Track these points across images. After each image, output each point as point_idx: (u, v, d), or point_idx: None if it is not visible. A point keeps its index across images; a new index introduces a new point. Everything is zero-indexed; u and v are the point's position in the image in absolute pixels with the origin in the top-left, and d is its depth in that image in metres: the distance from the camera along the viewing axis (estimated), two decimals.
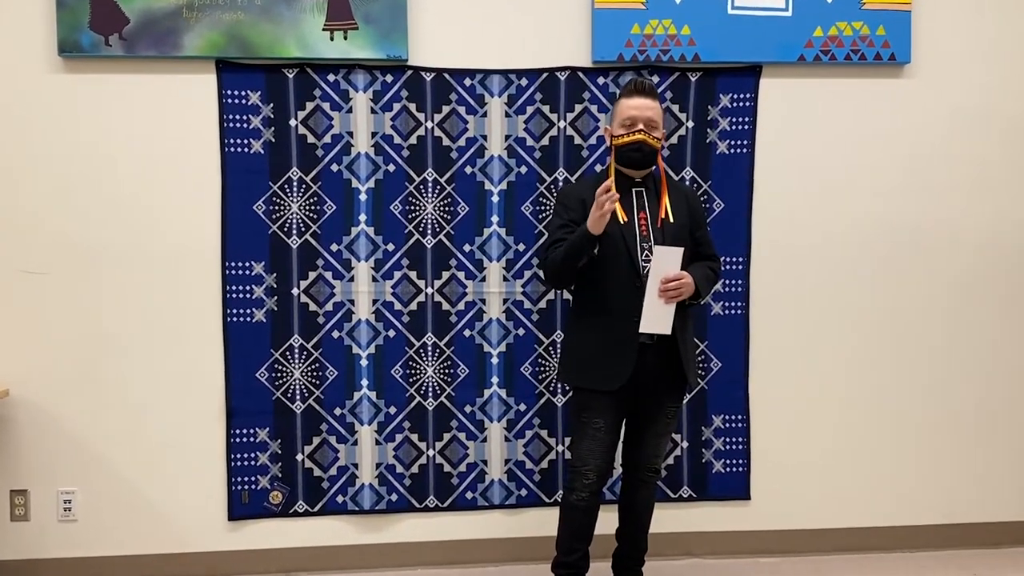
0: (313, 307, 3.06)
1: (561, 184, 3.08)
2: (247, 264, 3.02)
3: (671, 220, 2.59)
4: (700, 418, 3.21)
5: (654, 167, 2.65)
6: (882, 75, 3.18)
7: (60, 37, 2.89)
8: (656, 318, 2.49)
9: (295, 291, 3.05)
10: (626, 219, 2.57)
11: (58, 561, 3.03)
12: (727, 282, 3.17)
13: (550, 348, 3.13)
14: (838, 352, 3.24)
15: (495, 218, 3.09)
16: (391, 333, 3.08)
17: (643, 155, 2.57)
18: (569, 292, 2.96)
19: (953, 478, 3.31)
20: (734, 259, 3.16)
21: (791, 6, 3.07)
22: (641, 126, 2.55)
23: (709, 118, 3.13)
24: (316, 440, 3.08)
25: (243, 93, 2.99)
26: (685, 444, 3.21)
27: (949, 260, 3.27)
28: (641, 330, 2.49)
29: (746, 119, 3.14)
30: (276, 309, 3.04)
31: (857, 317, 3.24)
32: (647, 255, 2.53)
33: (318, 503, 3.09)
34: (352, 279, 3.06)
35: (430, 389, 3.11)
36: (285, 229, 3.03)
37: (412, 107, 3.04)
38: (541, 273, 2.89)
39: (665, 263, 2.48)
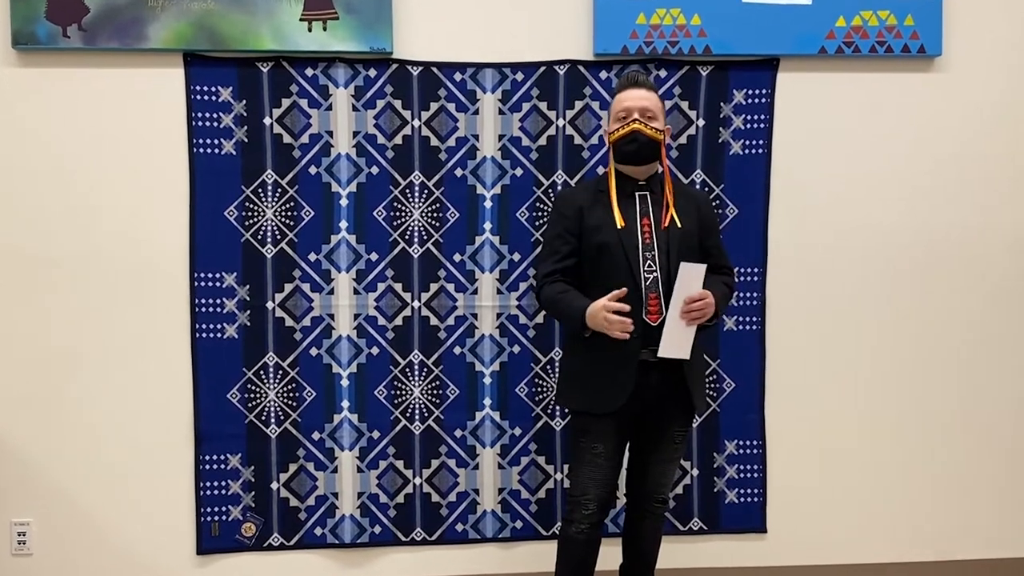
0: (289, 322, 3.03)
1: (560, 188, 3.05)
2: (217, 275, 3.00)
3: (678, 226, 2.57)
4: (712, 444, 3.17)
5: (658, 168, 2.63)
6: (910, 69, 3.16)
7: (14, 28, 2.87)
8: (677, 342, 2.46)
9: (270, 304, 3.02)
10: (624, 224, 2.54)
11: None
12: (741, 295, 3.14)
13: (547, 367, 3.10)
14: (863, 371, 3.21)
15: (488, 225, 3.07)
16: (374, 350, 3.06)
17: (639, 146, 2.54)
18: None
19: (988, 510, 3.28)
20: (749, 270, 3.13)
21: None
22: (636, 116, 2.54)
23: (722, 116, 3.10)
24: (292, 467, 3.05)
25: (213, 89, 2.97)
26: (695, 472, 3.18)
27: (984, 270, 3.24)
28: (660, 355, 2.46)
29: (762, 117, 3.11)
30: (249, 324, 3.02)
31: (883, 333, 3.21)
32: (649, 265, 2.51)
33: (295, 536, 3.07)
34: (332, 292, 3.04)
35: (417, 411, 3.08)
36: (259, 237, 3.01)
37: (397, 104, 3.02)
38: (535, 283, 2.86)
39: (690, 281, 2.44)
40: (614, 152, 2.59)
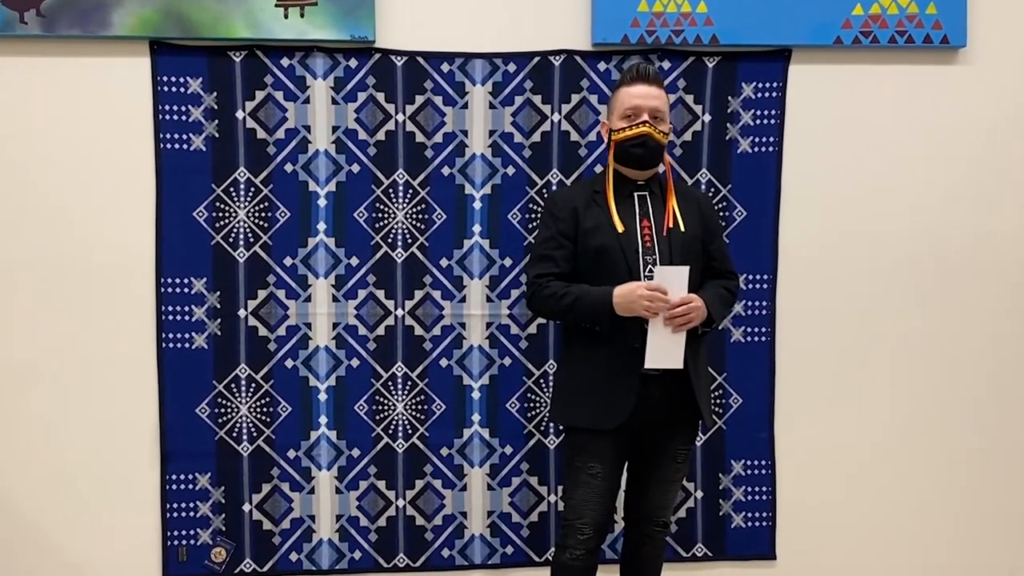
0: (263, 331, 3.02)
1: (555, 188, 3.04)
2: (185, 281, 2.99)
3: (681, 229, 2.57)
4: (717, 463, 3.16)
5: (660, 167, 2.63)
6: (933, 61, 3.14)
7: None
8: (663, 351, 2.47)
9: (242, 312, 3.01)
10: (624, 228, 2.54)
11: None
12: (750, 303, 3.12)
13: (541, 381, 3.09)
14: (880, 386, 3.20)
15: (477, 227, 3.05)
16: (355, 362, 3.05)
17: (647, 151, 2.54)
18: None
19: (1013, 537, 3.27)
20: (758, 276, 3.12)
21: None
22: (646, 117, 2.53)
23: (729, 111, 3.08)
24: (266, 487, 3.04)
25: (182, 80, 2.95)
26: (699, 494, 3.16)
27: (1015, 278, 3.22)
28: (647, 365, 2.48)
29: (772, 112, 3.09)
30: (220, 334, 3.01)
31: (903, 345, 3.19)
32: (651, 270, 2.51)
33: (268, 561, 3.05)
34: (309, 299, 3.03)
35: (400, 428, 3.07)
36: (230, 240, 3.00)
37: (380, 97, 3.01)
38: (526, 289, 2.86)
39: (669, 285, 2.44)
40: (616, 151, 2.58)
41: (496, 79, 3.02)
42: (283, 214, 3.00)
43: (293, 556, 3.05)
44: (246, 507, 3.03)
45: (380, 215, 3.03)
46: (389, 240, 3.03)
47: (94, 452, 2.99)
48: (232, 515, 3.03)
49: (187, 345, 2.99)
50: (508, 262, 3.06)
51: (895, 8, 3.05)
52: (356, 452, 3.06)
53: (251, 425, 3.02)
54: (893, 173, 3.16)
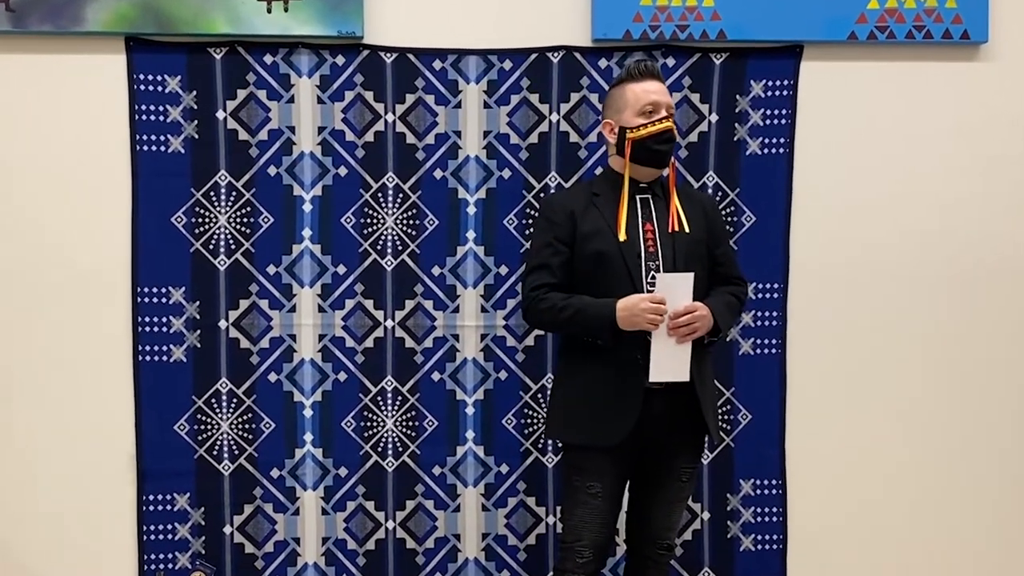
0: (245, 343, 3.01)
1: (553, 191, 3.03)
2: (163, 290, 2.98)
3: (685, 230, 2.57)
4: (725, 483, 3.14)
5: (664, 170, 2.63)
6: (953, 57, 3.13)
7: None
8: (668, 363, 2.47)
9: (223, 323, 3.00)
10: (626, 238, 2.53)
11: None
12: (760, 314, 3.11)
13: (539, 395, 3.08)
14: (897, 403, 3.18)
15: (471, 234, 3.05)
16: (342, 376, 3.04)
17: (672, 147, 2.58)
18: None
19: None
20: (768, 286, 3.10)
21: None
22: (665, 112, 2.55)
23: (737, 110, 3.07)
24: (248, 508, 3.03)
25: (159, 78, 2.95)
26: (706, 515, 3.15)
27: None
28: (652, 379, 2.47)
29: (783, 112, 3.08)
30: (199, 346, 3.00)
31: (921, 357, 3.18)
32: (653, 276, 2.50)
33: None
34: (293, 309, 3.02)
35: (390, 446, 3.06)
36: (211, 247, 2.99)
37: (368, 96, 3.00)
38: (522, 301, 2.85)
39: (673, 293, 2.43)
40: (636, 150, 2.55)
41: (491, 77, 3.01)
42: (266, 220, 2.99)
43: None
44: (227, 529, 3.02)
45: (369, 221, 3.01)
46: (378, 247, 3.02)
47: (67, 471, 2.97)
48: (212, 537, 3.02)
49: (165, 358, 2.98)
50: (504, 270, 3.05)
51: (913, 2, 3.05)
52: (343, 471, 3.04)
53: (232, 442, 3.01)
54: (910, 176, 3.14)
